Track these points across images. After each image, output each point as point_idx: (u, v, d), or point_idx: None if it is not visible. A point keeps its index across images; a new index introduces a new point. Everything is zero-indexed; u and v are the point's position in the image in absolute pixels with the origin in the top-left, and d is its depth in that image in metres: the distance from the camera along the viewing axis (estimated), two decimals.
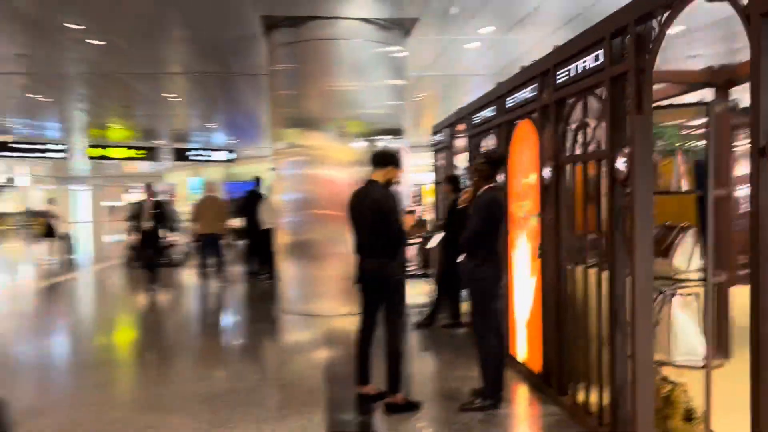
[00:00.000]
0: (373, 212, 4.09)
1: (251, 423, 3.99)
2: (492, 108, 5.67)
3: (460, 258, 4.31)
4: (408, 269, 9.09)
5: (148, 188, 10.08)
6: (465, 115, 6.67)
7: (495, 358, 4.19)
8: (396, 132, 8.26)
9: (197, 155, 22.11)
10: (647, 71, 3.12)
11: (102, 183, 38.17)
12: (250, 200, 11.03)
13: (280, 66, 8.08)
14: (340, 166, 7.67)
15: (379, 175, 4.22)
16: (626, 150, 3.28)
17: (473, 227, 4.15)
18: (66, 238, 16.45)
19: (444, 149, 7.94)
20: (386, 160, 4.25)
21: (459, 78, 11.65)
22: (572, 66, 3.94)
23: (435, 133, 8.36)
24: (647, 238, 3.21)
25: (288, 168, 8.02)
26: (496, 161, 4.38)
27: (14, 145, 19.20)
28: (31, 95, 12.46)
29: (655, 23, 3.07)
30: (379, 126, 8.03)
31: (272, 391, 4.79)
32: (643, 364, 3.22)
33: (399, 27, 8.07)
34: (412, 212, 4.45)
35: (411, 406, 4.20)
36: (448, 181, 6.95)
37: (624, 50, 3.31)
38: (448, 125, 7.60)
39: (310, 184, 7.77)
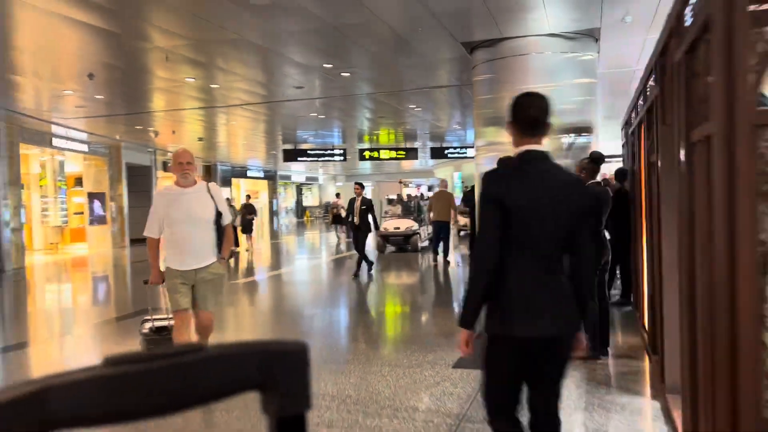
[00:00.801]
0: None
1: (413, 351, 5.73)
2: (634, 110, 6.49)
3: None
4: None
5: (359, 186, 11.68)
6: (628, 113, 7.44)
7: (595, 319, 5.25)
8: (585, 128, 9.15)
9: (453, 153, 24.39)
10: (665, 93, 4.02)
11: (383, 179, 42.88)
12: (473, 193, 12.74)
13: (481, 77, 9.61)
14: None
15: None
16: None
17: None
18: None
19: (625, 144, 8.63)
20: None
21: None
22: (651, 83, 4.82)
23: (622, 129, 9.05)
24: (672, 222, 4.09)
25: (487, 164, 9.51)
26: (597, 160, 5.38)
27: (310, 152, 23.85)
28: (313, 114, 15.95)
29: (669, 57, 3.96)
30: (569, 123, 9.04)
31: (439, 338, 6.47)
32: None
33: (586, 35, 8.96)
34: None
35: None
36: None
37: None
38: (625, 123, 8.31)
39: None
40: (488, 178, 2.53)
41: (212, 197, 4.71)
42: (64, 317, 9.16)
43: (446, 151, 24.24)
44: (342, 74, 11.11)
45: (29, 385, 0.48)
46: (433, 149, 24.30)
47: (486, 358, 2.49)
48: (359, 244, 11.32)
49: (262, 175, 36.76)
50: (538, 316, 2.38)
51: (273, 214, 38.68)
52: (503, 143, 9.26)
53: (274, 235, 28.65)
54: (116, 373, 0.50)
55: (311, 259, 16.99)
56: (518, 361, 2.44)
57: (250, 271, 13.82)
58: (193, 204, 4.62)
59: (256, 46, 9.05)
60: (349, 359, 5.58)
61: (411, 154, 23.94)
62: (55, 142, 17.42)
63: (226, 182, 31.45)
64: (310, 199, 47.75)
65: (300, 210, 45.35)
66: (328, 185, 47.61)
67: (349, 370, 5.19)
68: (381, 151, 23.76)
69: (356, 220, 11.33)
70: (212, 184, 4.92)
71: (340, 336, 6.94)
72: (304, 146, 23.86)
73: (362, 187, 11.79)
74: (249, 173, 35.01)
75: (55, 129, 16.73)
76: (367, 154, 23.64)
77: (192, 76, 11.04)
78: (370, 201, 11.65)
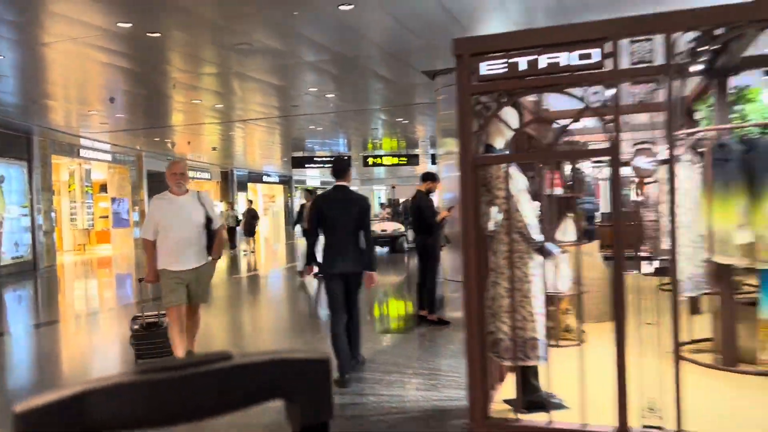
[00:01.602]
0: (416, 209, 7.06)
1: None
2: None
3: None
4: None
5: (308, 193, 12.81)
6: None
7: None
8: None
9: None
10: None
11: (398, 182, 44.12)
12: None
13: (442, 97, 11.17)
14: None
15: (423, 186, 7.15)
16: None
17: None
18: None
19: None
20: (427, 177, 7.16)
21: None
22: None
23: None
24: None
25: (447, 170, 11.05)
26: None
27: (317, 159, 25.59)
28: (312, 126, 17.62)
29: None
30: None
31: (385, 315, 8.03)
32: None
33: None
34: (451, 208, 7.21)
35: (443, 323, 7.06)
36: None
37: None
38: None
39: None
40: (317, 198, 5.46)
41: (203, 204, 5.19)
42: (87, 303, 10.95)
43: None
44: (326, 96, 12.74)
45: (69, 390, 0.50)
46: (433, 155, 25.78)
47: (325, 284, 5.20)
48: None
49: (277, 180, 38.53)
50: (342, 262, 5.04)
51: (289, 217, 40.49)
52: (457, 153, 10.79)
53: (289, 236, 30.38)
54: (149, 380, 0.52)
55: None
56: (338, 284, 5.09)
57: (243, 269, 15.51)
58: (186, 210, 5.07)
59: (246, 76, 10.72)
60: (299, 331, 7.19)
61: (412, 160, 25.45)
62: (83, 152, 19.33)
63: (243, 187, 33.26)
64: None
65: None
66: None
67: (297, 338, 6.79)
68: (384, 158, 25.36)
69: (306, 225, 11.72)
70: (202, 193, 5.40)
71: (301, 317, 8.57)
72: (310, 154, 25.60)
73: (312, 193, 12.54)
74: (265, 178, 36.79)
75: (82, 141, 18.64)
76: (370, 160, 25.27)
77: (198, 99, 12.77)
78: None
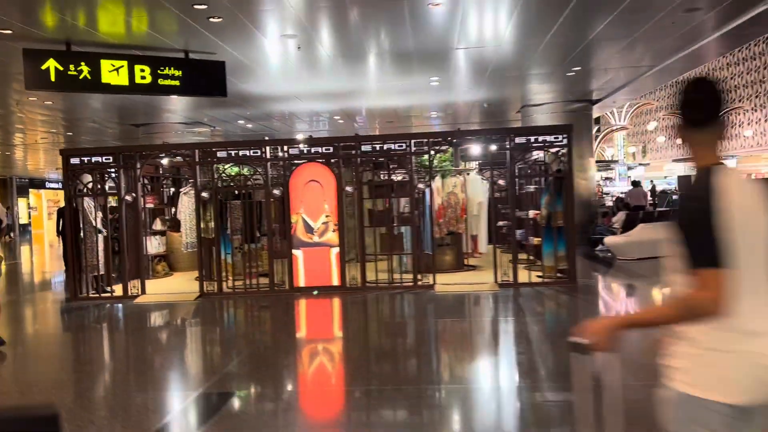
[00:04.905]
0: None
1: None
2: None
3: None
4: None
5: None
6: None
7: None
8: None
9: None
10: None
11: None
12: None
13: (142, 136, 16.85)
14: None
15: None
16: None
17: None
18: None
19: None
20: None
21: None
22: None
23: None
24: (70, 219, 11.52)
25: None
26: None
27: None
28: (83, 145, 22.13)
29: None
30: None
31: None
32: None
33: (200, 123, 16.50)
34: None
35: None
36: None
37: None
38: None
39: None
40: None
41: None
42: None
43: None
44: (67, 134, 17.75)
45: None
46: None
47: None
48: None
49: (61, 186, 40.41)
50: None
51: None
52: None
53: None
54: None
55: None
56: None
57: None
58: None
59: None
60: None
61: None
62: None
63: (24, 192, 35.02)
64: None
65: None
66: None
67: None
68: None
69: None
70: None
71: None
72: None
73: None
74: (49, 184, 38.39)
75: None
76: None
77: None
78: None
